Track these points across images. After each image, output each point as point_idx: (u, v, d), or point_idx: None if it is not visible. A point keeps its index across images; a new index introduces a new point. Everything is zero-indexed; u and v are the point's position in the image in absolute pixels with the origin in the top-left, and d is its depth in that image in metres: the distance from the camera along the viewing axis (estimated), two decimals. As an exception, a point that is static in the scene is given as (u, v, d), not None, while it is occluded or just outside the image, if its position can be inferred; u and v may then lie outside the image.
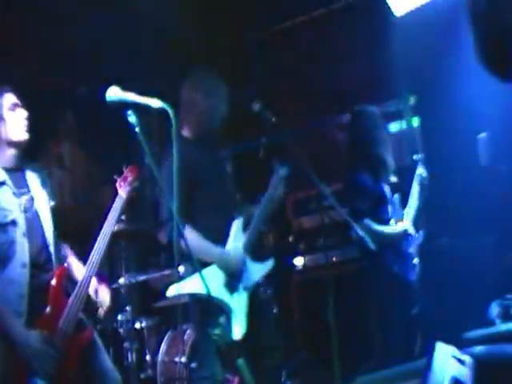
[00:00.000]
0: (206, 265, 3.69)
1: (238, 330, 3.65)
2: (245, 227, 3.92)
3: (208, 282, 3.43)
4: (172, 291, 3.67)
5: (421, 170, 4.67)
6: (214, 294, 3.53)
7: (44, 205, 3.37)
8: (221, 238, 3.83)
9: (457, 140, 5.43)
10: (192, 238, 3.62)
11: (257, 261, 3.94)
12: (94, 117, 5.67)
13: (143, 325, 5.18)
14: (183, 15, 6.05)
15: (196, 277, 3.47)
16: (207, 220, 3.79)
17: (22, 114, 3.32)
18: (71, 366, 3.16)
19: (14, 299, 3.10)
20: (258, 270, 3.93)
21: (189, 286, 3.63)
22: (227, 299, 3.70)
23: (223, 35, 6.37)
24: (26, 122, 3.31)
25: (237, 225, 3.89)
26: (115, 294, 5.30)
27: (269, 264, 4.01)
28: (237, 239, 3.85)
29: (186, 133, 3.97)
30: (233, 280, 3.75)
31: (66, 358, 3.12)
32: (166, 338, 5.04)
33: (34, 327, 3.09)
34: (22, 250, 3.15)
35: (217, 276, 3.73)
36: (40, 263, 3.23)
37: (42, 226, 3.30)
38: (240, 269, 3.77)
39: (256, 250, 3.97)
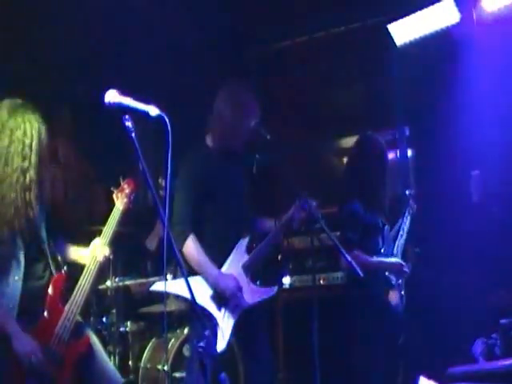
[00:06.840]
0: (197, 273, 3.72)
1: (220, 344, 3.67)
2: (248, 248, 3.93)
3: (195, 290, 3.50)
4: (158, 287, 3.72)
5: (412, 204, 4.74)
6: (199, 301, 3.55)
7: None
8: (226, 252, 3.84)
9: (449, 175, 5.51)
10: (192, 248, 3.69)
11: (260, 283, 3.97)
12: (90, 116, 5.70)
13: (128, 329, 5.19)
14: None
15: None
16: (215, 232, 3.82)
17: None
18: (66, 372, 3.16)
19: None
20: (256, 293, 3.90)
21: (176, 286, 3.65)
22: (213, 311, 3.71)
23: (222, 53, 6.40)
24: None
25: (240, 245, 3.89)
26: (101, 295, 5.33)
27: (271, 291, 4.00)
28: (236, 259, 3.86)
29: (209, 141, 3.99)
30: (222, 297, 3.75)
31: (61, 364, 3.13)
32: (150, 345, 5.06)
33: (30, 333, 3.07)
34: (18, 262, 3.12)
35: (205, 287, 3.74)
36: (35, 272, 3.20)
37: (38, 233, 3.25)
38: (229, 293, 3.73)
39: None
